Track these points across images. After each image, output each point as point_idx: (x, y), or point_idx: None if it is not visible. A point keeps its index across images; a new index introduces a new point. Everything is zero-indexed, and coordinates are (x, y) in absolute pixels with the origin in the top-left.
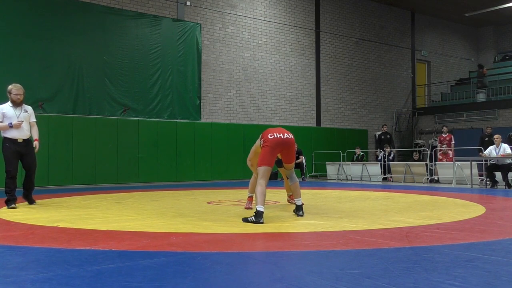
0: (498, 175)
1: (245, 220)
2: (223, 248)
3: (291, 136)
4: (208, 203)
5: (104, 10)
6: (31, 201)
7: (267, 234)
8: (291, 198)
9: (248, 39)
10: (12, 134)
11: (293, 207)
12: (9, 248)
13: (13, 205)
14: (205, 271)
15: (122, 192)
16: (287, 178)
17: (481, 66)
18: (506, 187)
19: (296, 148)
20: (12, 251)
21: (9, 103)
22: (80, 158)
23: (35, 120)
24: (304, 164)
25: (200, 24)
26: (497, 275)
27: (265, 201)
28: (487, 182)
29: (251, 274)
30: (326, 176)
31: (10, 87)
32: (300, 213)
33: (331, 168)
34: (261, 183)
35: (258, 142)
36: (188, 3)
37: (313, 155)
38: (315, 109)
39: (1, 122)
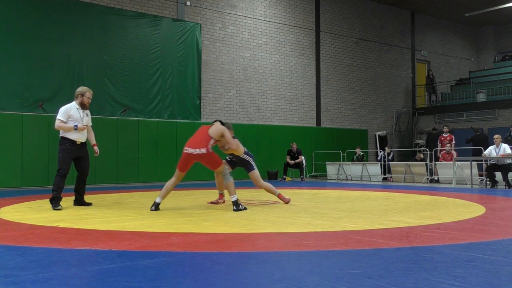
0: (498, 175)
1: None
2: (223, 248)
3: (198, 151)
4: (208, 203)
5: (104, 10)
6: (86, 204)
7: (267, 234)
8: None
9: (248, 39)
10: (73, 136)
11: (288, 206)
12: (9, 248)
13: (59, 207)
14: (205, 271)
15: (122, 192)
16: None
17: (429, 71)
18: (506, 187)
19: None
20: (12, 251)
21: (74, 104)
22: None
23: (91, 124)
24: (304, 164)
25: (200, 24)
26: (497, 275)
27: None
28: (487, 182)
29: (251, 274)
30: (326, 176)
31: (83, 89)
32: (234, 208)
33: (331, 168)
34: (170, 180)
35: None
36: (188, 3)
37: (313, 155)
38: (315, 109)
39: (65, 123)
